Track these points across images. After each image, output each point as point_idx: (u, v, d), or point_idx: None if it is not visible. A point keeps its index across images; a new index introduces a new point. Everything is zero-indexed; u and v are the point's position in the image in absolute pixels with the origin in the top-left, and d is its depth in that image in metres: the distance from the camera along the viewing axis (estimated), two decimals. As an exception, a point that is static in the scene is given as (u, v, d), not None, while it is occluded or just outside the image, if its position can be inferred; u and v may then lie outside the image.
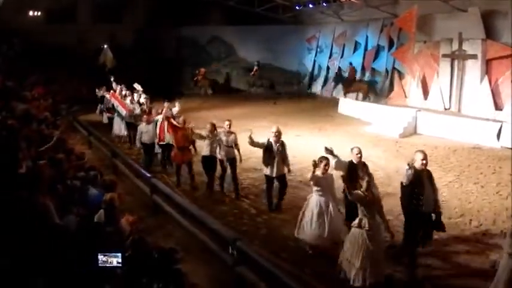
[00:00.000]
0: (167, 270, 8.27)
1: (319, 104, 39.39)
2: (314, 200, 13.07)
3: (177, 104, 22.51)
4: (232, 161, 17.89)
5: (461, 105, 29.20)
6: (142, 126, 21.04)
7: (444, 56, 30.09)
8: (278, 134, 16.16)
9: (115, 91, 28.62)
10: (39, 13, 45.04)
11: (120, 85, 29.56)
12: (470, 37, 28.42)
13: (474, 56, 28.27)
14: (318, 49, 47.46)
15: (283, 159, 16.27)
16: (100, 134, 25.10)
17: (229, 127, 17.86)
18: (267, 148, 16.10)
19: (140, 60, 43.95)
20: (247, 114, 33.41)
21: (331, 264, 12.13)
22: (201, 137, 18.14)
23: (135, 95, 27.78)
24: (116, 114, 27.18)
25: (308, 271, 11.69)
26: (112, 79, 31.12)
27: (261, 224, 15.34)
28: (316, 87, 46.37)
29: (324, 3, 41.02)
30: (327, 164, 13.08)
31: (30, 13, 44.68)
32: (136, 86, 28.35)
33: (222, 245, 11.42)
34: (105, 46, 47.20)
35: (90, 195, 11.55)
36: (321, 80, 46.17)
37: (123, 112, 25.87)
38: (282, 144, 16.25)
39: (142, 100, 27.06)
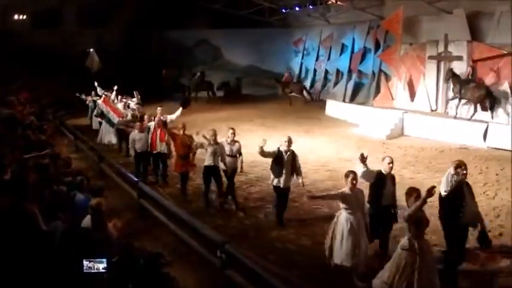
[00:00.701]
0: (154, 274, 8.25)
1: (306, 106, 39.36)
2: (343, 218, 11.73)
3: (179, 110, 21.00)
4: (235, 170, 17.08)
5: (448, 106, 29.23)
6: (135, 134, 19.87)
7: (430, 57, 30.19)
8: (289, 143, 15.07)
9: (107, 97, 27.00)
10: (24, 17, 44.94)
11: (105, 90, 29.05)
12: (456, 39, 28.57)
13: (460, 58, 28.39)
14: (305, 52, 47.67)
15: (293, 169, 15.25)
16: (87, 138, 25.04)
17: (234, 135, 16.82)
18: (277, 157, 15.03)
19: (127, 64, 43.83)
20: (233, 117, 33.44)
21: (319, 266, 12.14)
22: (201, 146, 16.90)
23: (128, 100, 27.55)
24: (105, 120, 25.48)
25: (296, 273, 11.65)
26: (96, 84, 30.50)
27: (249, 226, 15.31)
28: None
29: (310, 6, 41.05)
30: (355, 178, 11.92)
31: (16, 17, 44.57)
32: (136, 94, 28.18)
33: (211, 248, 11.37)
34: (91, 50, 47.05)
35: (77, 201, 11.49)
36: (307, 83, 46.09)
37: (115, 119, 24.36)
38: (293, 154, 15.18)
39: (133, 106, 26.80)
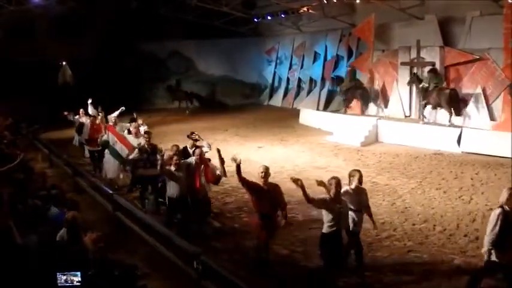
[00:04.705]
0: (131, 287, 8.19)
1: (280, 115, 39.45)
2: None
3: (205, 143, 16.35)
4: (360, 229, 12.23)
5: (421, 112, 29.34)
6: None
7: (403, 64, 30.28)
8: None
9: (102, 120, 22.26)
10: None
11: (98, 109, 24.10)
12: (428, 44, 28.67)
13: (432, 63, 28.44)
14: (278, 60, 47.84)
15: None
16: (61, 152, 24.74)
17: (360, 181, 11.85)
18: (505, 221, 10.06)
19: (101, 76, 43.57)
20: (208, 128, 33.39)
21: (296, 276, 12.08)
22: (321, 205, 11.09)
23: (141, 126, 21.56)
24: (110, 153, 19.74)
25: (273, 283, 11.59)
26: (89, 102, 25.44)
27: (226, 236, 15.17)
28: (277, 99, 46.44)
29: (282, 15, 41.08)
30: None
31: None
32: (135, 116, 23.62)
33: (187, 259, 11.27)
34: (64, 63, 46.76)
35: (52, 214, 11.40)
36: (281, 92, 46.36)
37: (125, 152, 19.01)
38: None
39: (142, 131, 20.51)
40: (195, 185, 14.52)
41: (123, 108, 23.95)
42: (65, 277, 7.73)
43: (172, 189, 14.44)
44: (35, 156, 25.81)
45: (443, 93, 27.05)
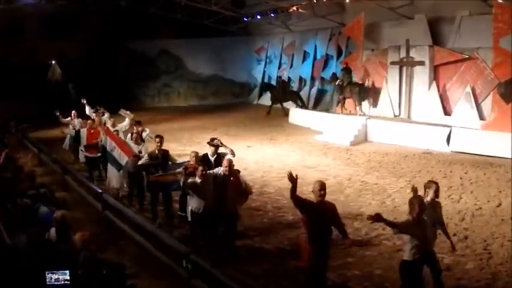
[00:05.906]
0: (120, 286, 8.17)
1: (270, 115, 39.31)
2: None
3: (228, 150, 14.64)
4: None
5: (411, 111, 29.40)
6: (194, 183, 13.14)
7: (392, 63, 30.31)
8: None
9: (99, 122, 20.74)
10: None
11: (97, 110, 22.85)
12: (418, 44, 28.72)
13: (422, 63, 28.53)
14: (267, 60, 47.82)
15: None
16: (50, 151, 24.58)
17: (437, 194, 10.95)
18: None
19: (91, 76, 43.46)
20: (198, 127, 33.40)
21: (286, 275, 12.07)
22: (405, 228, 9.84)
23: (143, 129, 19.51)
24: (109, 159, 18.10)
25: (263, 282, 11.57)
26: (84, 102, 24.46)
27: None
28: (267, 98, 46.24)
29: (271, 14, 41.05)
30: None
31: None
32: (123, 113, 21.54)
33: (177, 259, 11.23)
34: (53, 62, 46.61)
35: (41, 213, 11.36)
36: (270, 91, 46.26)
37: (123, 160, 17.25)
38: None
39: (147, 135, 19.39)
40: (225, 199, 12.80)
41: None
42: (54, 276, 7.72)
43: (196, 202, 13.16)
44: (25, 155, 25.72)
45: (354, 88, 31.00)
